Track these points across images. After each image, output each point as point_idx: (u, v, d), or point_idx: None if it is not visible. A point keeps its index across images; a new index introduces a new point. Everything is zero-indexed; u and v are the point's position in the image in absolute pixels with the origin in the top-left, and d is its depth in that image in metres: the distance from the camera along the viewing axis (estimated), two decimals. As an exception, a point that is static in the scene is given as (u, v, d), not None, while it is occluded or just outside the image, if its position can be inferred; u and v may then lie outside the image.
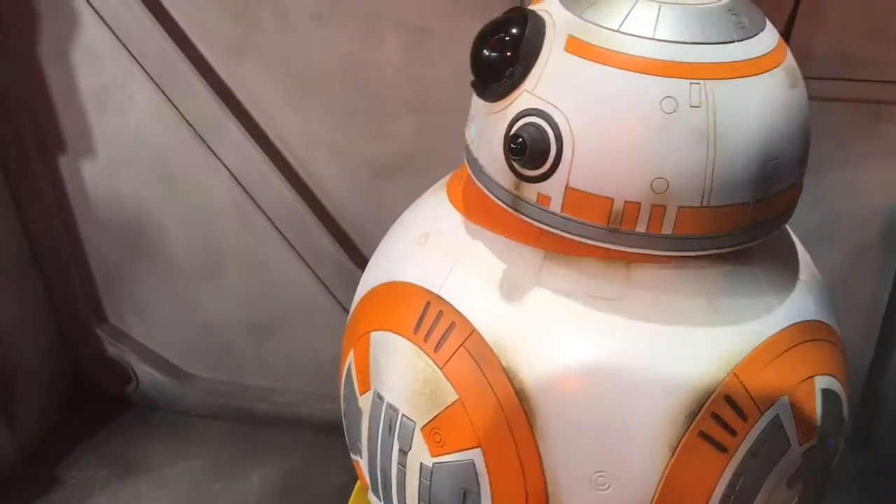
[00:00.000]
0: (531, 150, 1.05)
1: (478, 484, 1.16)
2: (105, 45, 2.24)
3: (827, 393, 1.20)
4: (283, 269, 2.54)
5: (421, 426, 1.18)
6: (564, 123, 1.05)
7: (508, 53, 1.10)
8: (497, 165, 1.14)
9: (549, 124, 1.05)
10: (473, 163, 1.21)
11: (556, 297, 1.13)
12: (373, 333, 1.26)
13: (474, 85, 1.15)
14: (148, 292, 2.70)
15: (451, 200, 1.29)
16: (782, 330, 1.16)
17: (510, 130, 1.08)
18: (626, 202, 1.05)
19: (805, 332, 1.19)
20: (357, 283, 2.48)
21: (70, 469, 2.69)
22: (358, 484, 1.83)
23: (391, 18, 2.10)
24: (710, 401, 1.10)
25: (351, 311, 1.40)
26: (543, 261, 1.15)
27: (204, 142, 2.34)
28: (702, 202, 1.05)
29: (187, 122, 2.31)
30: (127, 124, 2.37)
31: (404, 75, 2.15)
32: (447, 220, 1.26)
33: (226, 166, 2.38)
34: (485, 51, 1.12)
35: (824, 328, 1.23)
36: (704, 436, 1.10)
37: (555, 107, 1.05)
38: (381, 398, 1.24)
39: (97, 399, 2.90)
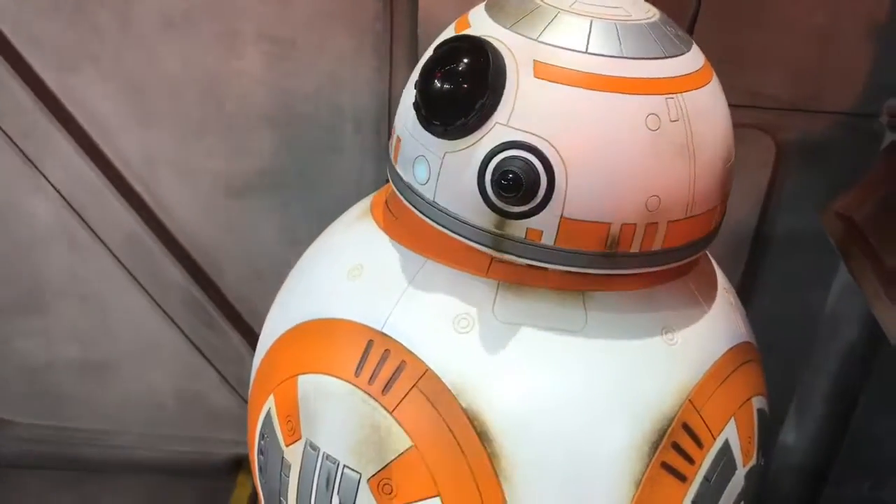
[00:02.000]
0: (526, 184, 0.98)
1: (436, 536, 1.07)
2: None
3: (761, 413, 1.23)
4: (119, 300, 2.29)
5: (368, 478, 1.08)
6: (553, 153, 0.98)
7: (476, 85, 0.99)
8: (471, 206, 1.04)
9: (537, 156, 0.98)
10: (427, 206, 1.09)
11: (515, 330, 1.07)
12: (301, 377, 1.14)
13: (430, 122, 1.02)
14: (-49, 332, 2.36)
15: (384, 229, 1.19)
16: (724, 354, 1.17)
17: (485, 167, 1.00)
18: (622, 225, 1.02)
19: (741, 355, 1.20)
20: (208, 314, 2.33)
21: None
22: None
23: (251, 28, 1.95)
24: (670, 430, 1.08)
25: (263, 353, 1.25)
26: (497, 292, 1.08)
27: (27, 157, 2.07)
28: (686, 213, 1.05)
29: (6, 135, 2.04)
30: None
31: (265, 88, 2.01)
32: (383, 250, 1.16)
33: (53, 185, 2.12)
34: (442, 84, 1.01)
35: (752, 348, 1.25)
36: (666, 466, 1.08)
37: (539, 136, 0.99)
38: (315, 448, 1.12)
39: None
